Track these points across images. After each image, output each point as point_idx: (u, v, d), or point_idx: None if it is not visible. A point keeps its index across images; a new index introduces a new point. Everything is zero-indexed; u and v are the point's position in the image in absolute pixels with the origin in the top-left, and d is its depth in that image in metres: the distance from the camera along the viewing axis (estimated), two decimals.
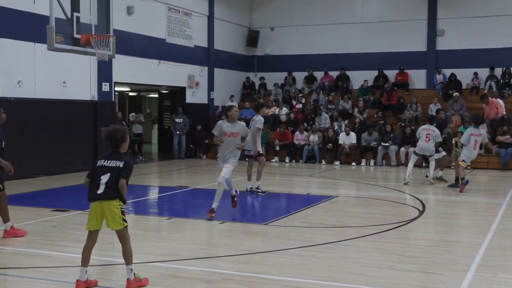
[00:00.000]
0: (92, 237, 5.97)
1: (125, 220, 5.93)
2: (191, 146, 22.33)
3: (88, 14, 12.72)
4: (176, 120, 21.73)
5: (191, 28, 22.66)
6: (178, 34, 21.95)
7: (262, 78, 26.09)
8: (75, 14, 12.26)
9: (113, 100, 18.87)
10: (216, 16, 23.93)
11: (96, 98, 17.89)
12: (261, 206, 11.94)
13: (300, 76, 25.54)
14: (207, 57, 23.74)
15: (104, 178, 5.79)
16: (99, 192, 5.79)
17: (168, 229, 9.32)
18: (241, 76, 26.27)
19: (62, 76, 16.64)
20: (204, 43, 23.56)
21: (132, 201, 12.24)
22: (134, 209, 11.33)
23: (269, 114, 23.10)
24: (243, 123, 10.17)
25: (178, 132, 21.61)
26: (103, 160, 5.89)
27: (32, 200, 11.83)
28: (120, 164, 5.84)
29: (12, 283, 6.26)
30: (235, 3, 25.55)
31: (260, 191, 12.70)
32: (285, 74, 25.62)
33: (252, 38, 26.34)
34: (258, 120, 12.46)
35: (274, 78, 25.63)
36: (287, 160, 20.96)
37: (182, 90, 22.65)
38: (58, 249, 7.65)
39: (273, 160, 20.77)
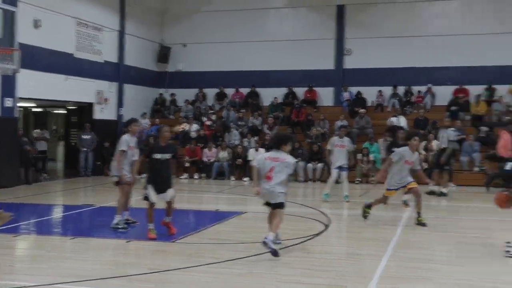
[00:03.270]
0: None
1: None
2: (99, 163, 21.80)
3: None
4: (83, 136, 21.23)
5: (101, 43, 22.26)
6: (87, 49, 21.50)
7: (172, 95, 25.97)
8: None
9: (16, 116, 18.16)
10: (127, 32, 23.65)
11: None
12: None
13: (211, 93, 25.66)
14: (117, 72, 23.38)
15: None
16: None
17: (72, 249, 9.04)
18: (152, 92, 26.04)
19: None
20: (114, 58, 23.20)
21: (35, 221, 11.83)
22: (36, 229, 10.95)
23: (180, 130, 23.02)
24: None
25: (85, 149, 21.11)
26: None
27: None
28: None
29: None
30: (147, 19, 25.37)
31: (120, 227, 10.38)
32: (196, 90, 25.65)
33: (163, 54, 26.19)
34: (120, 141, 10.41)
35: (185, 95, 25.57)
36: (196, 176, 20.91)
37: (90, 106, 22.13)
38: None
39: (182, 177, 20.67)
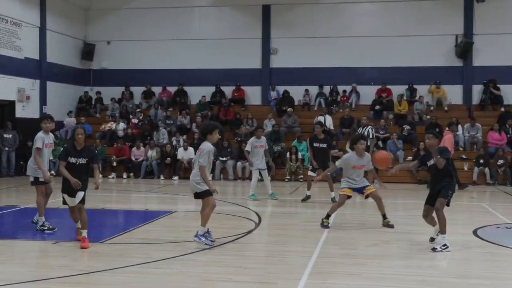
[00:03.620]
0: None
1: None
2: (21, 162, 21.07)
3: None
4: (5, 135, 20.49)
5: (21, 39, 21.53)
6: (6, 45, 20.76)
7: (98, 93, 25.47)
8: None
9: None
10: (48, 28, 22.99)
11: None
12: (97, 224, 11.57)
13: (138, 91, 25.31)
14: (39, 69, 22.69)
15: None
16: None
17: None
18: (76, 90, 25.43)
19: None
20: (35, 55, 22.51)
21: None
22: None
23: (106, 129, 22.61)
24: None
25: (7, 149, 20.38)
26: None
27: None
28: None
29: None
30: (69, 15, 24.73)
31: (45, 228, 10.07)
32: (122, 88, 25.23)
33: (87, 52, 25.62)
34: (35, 139, 10.17)
35: (111, 93, 25.13)
36: (124, 176, 20.59)
37: (11, 104, 21.39)
38: None
39: (110, 176, 20.30)
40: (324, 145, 13.89)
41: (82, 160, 8.91)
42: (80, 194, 8.89)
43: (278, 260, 8.20)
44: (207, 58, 24.85)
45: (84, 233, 8.81)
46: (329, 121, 21.54)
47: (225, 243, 9.06)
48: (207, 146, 8.74)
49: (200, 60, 24.90)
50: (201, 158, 8.64)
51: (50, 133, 10.34)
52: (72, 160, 8.90)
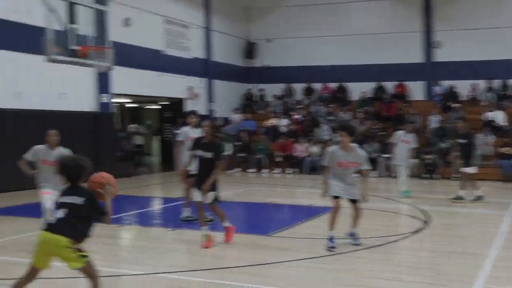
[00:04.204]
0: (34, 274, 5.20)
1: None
2: None
3: (85, 26, 12.69)
4: (176, 131, 21.66)
5: (189, 40, 22.69)
6: (176, 46, 21.98)
7: (261, 90, 26.13)
8: (73, 26, 12.21)
9: (112, 111, 18.82)
10: (213, 28, 24.00)
11: (95, 109, 17.85)
12: (264, 218, 11.91)
13: (299, 88, 25.60)
14: (206, 68, 23.77)
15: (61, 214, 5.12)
16: (52, 222, 5.13)
17: (172, 240, 9.23)
18: (241, 87, 26.30)
19: (61, 87, 16.61)
20: (202, 54, 23.60)
21: (135, 212, 12.24)
22: (138, 220, 11.30)
23: (269, 125, 23.13)
24: None
25: None
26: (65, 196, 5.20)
27: (38, 210, 11.74)
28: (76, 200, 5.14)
29: None
30: (232, 15, 25.64)
31: (192, 219, 10.39)
32: (284, 85, 25.67)
33: (250, 50, 26.40)
34: (179, 133, 10.65)
35: (273, 90, 25.67)
36: (289, 171, 20.91)
37: (181, 102, 22.64)
38: None
39: (275, 172, 20.77)
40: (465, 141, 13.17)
41: (209, 155, 8.55)
42: (211, 195, 8.55)
43: (449, 261, 7.84)
44: (367, 53, 24.51)
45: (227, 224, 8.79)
46: (500, 117, 20.28)
47: (392, 242, 8.86)
48: (331, 147, 8.54)
49: (361, 55, 24.62)
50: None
51: (198, 128, 10.16)
52: (199, 153, 8.67)
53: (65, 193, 5.21)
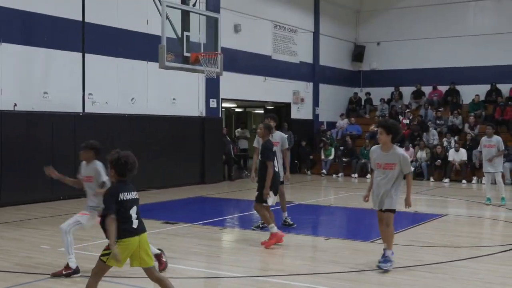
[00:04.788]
0: (105, 272, 5.43)
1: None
2: (296, 161, 22.39)
3: (197, 33, 13.14)
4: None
5: (297, 44, 22.81)
6: (284, 50, 22.16)
7: (368, 94, 25.80)
8: (185, 33, 12.70)
9: (220, 116, 19.30)
10: (321, 32, 23.97)
11: (204, 114, 18.38)
12: (366, 223, 11.74)
13: (407, 91, 25.01)
14: (312, 73, 23.80)
15: (133, 212, 5.29)
16: (135, 226, 5.26)
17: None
18: (347, 91, 26.09)
19: (172, 93, 17.26)
20: (309, 59, 23.64)
21: (237, 215, 12.48)
22: (239, 223, 11.52)
23: (375, 129, 22.76)
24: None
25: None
26: (126, 193, 5.28)
27: (143, 212, 12.24)
28: (137, 195, 5.39)
29: None
30: (340, 18, 25.49)
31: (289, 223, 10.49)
32: (391, 89, 25.19)
33: (358, 53, 26.14)
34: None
35: (380, 93, 25.26)
36: None
37: (287, 106, 22.82)
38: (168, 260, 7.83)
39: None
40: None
41: (261, 157, 8.92)
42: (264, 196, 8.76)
43: None
44: (481, 54, 23.51)
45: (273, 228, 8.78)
46: None
47: (502, 252, 8.47)
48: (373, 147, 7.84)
49: (474, 57, 23.67)
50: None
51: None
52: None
53: (125, 189, 5.28)
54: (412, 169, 7.19)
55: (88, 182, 7.13)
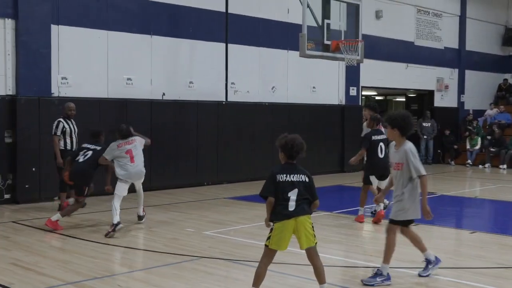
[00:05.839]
0: (272, 256, 5.47)
1: (315, 237, 5.48)
2: (439, 151, 21.60)
3: (338, 20, 13.07)
4: (424, 124, 21.19)
5: (441, 29, 21.91)
6: (427, 36, 21.39)
7: None
8: (326, 21, 12.67)
9: (360, 104, 19.07)
10: (468, 16, 22.82)
11: (343, 102, 18.26)
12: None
13: None
14: (458, 58, 22.76)
15: (292, 195, 5.31)
16: (291, 209, 5.29)
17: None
18: (495, 78, 24.66)
19: (312, 81, 17.31)
20: (454, 44, 22.62)
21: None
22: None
23: None
24: None
25: (425, 137, 21.05)
26: (285, 175, 5.35)
27: None
28: (306, 178, 5.40)
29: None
30: (489, 1, 24.10)
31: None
32: None
33: (509, 37, 24.57)
34: None
35: None
36: None
37: (430, 94, 22.04)
38: None
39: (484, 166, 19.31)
40: None
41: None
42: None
43: None
44: None
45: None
46: None
47: None
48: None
49: None
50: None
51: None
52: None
53: (290, 171, 5.38)
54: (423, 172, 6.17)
55: None
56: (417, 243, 6.56)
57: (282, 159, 5.49)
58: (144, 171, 9.18)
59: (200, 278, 6.42)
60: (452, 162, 21.19)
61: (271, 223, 5.35)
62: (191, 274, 6.58)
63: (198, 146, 14.26)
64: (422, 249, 6.56)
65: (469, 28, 22.94)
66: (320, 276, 5.49)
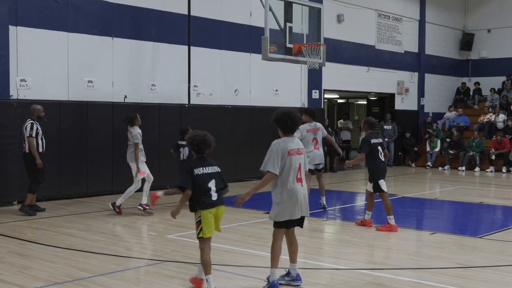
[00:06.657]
0: (209, 243, 5.99)
1: None
2: (400, 153, 21.91)
3: (300, 24, 13.16)
4: (385, 127, 21.46)
5: (401, 33, 22.25)
6: (388, 40, 21.68)
7: (477, 83, 24.70)
8: (288, 24, 12.74)
9: (322, 107, 19.20)
10: (427, 20, 23.22)
11: (306, 105, 18.36)
12: (474, 218, 11.33)
13: None
14: (418, 62, 23.12)
15: (212, 185, 5.84)
16: (214, 199, 5.84)
17: (375, 238, 9.19)
18: (453, 81, 25.15)
19: (274, 84, 17.37)
20: (414, 48, 22.98)
21: (339, 207, 12.40)
22: (341, 215, 11.43)
23: (484, 120, 21.87)
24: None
25: (386, 139, 21.31)
26: (202, 168, 5.83)
27: (246, 202, 12.44)
28: (218, 168, 6.00)
29: (229, 279, 6.62)
30: (448, 5, 24.56)
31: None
32: (502, 78, 23.98)
33: (466, 42, 25.08)
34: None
35: (490, 83, 24.11)
36: (503, 170, 19.55)
37: (391, 97, 22.33)
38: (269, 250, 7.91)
39: (488, 170, 19.57)
40: None
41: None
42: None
43: None
44: None
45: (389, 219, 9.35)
46: None
47: None
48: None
49: None
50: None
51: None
52: None
53: (203, 163, 5.89)
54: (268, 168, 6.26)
55: None
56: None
57: (194, 155, 5.97)
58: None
59: (163, 282, 6.38)
60: (413, 164, 21.51)
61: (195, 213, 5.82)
62: (154, 278, 6.53)
63: (160, 149, 14.14)
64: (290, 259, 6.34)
65: (428, 32, 23.34)
66: (208, 266, 5.86)
